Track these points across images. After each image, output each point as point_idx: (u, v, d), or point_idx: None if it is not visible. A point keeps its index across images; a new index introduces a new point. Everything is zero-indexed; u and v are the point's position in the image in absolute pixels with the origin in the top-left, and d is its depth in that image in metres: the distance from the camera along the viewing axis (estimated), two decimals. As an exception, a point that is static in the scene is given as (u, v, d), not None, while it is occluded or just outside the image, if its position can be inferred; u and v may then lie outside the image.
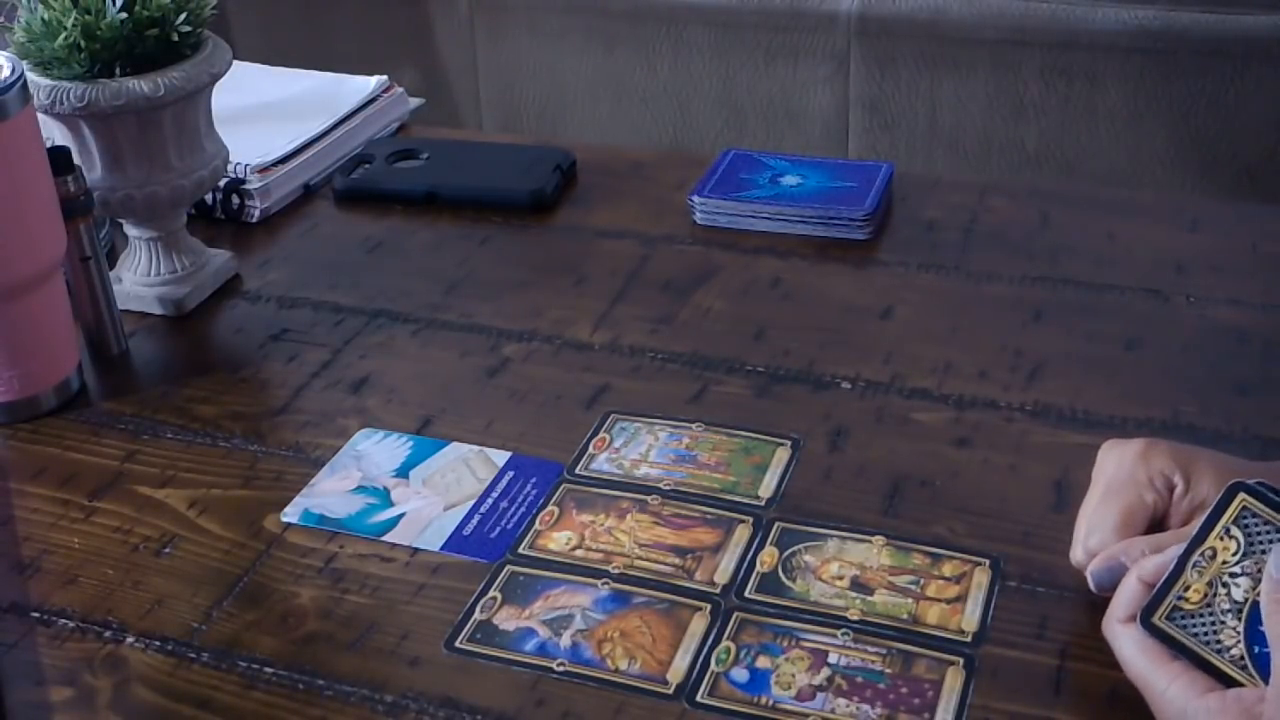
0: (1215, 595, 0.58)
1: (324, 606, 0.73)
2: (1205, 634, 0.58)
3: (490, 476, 0.81)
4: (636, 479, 0.80)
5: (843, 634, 0.69)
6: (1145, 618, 0.60)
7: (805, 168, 1.12)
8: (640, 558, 0.74)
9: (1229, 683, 0.57)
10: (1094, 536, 0.67)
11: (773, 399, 0.87)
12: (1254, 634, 0.56)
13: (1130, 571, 0.62)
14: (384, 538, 0.77)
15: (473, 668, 0.69)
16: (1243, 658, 0.57)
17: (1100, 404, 0.84)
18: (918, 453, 0.81)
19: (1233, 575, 0.58)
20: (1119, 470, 0.67)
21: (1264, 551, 0.58)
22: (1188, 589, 0.59)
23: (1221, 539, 0.58)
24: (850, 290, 0.99)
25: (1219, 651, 0.57)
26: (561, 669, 0.68)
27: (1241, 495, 0.58)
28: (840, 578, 0.72)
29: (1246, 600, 0.56)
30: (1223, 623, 0.57)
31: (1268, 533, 0.58)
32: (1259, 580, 0.58)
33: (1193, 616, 0.58)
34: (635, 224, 1.08)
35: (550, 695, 0.67)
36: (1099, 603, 0.69)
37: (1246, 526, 0.58)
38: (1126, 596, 0.62)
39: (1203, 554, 0.58)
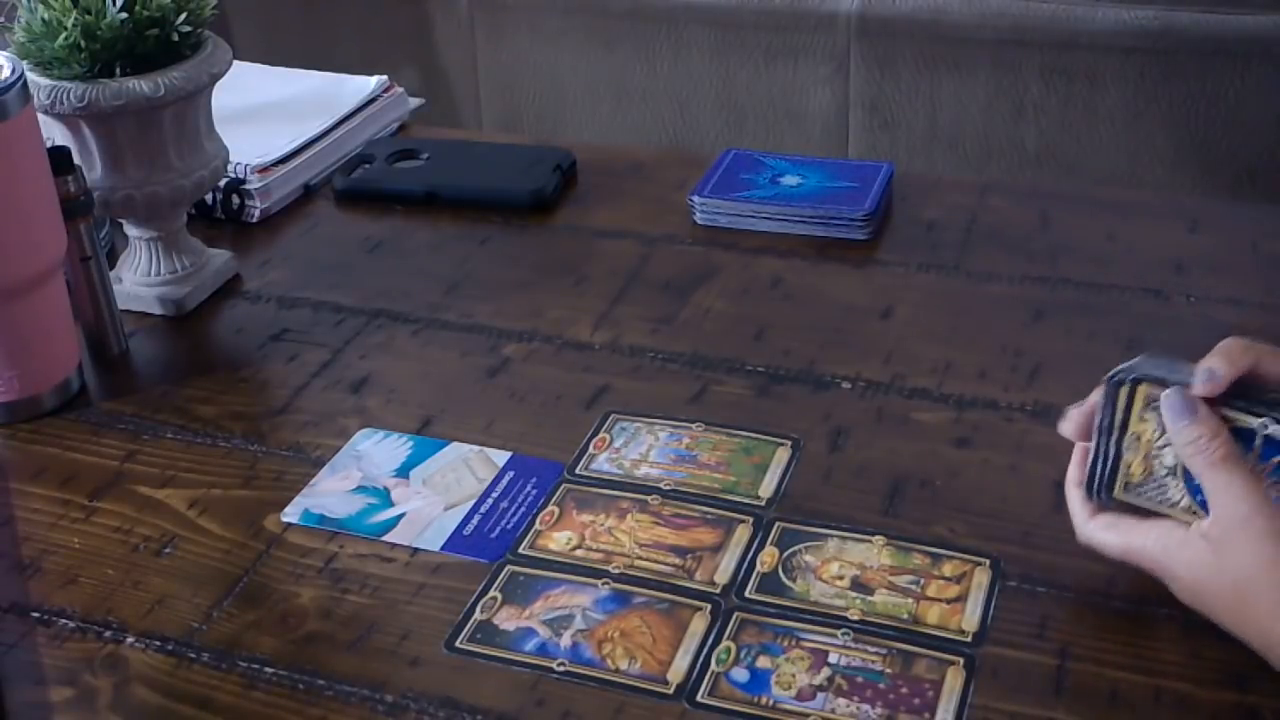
0: (1153, 466, 0.68)
1: (324, 606, 0.73)
2: (1157, 495, 0.68)
3: (490, 476, 0.81)
4: (637, 479, 0.80)
5: (843, 634, 0.69)
6: (1109, 496, 0.70)
7: (805, 168, 1.12)
8: (640, 558, 0.74)
9: None
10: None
11: (773, 399, 0.87)
12: (1191, 486, 0.67)
13: (1069, 484, 0.72)
14: (384, 538, 0.77)
15: (473, 668, 0.69)
16: (1190, 506, 0.67)
17: (1100, 404, 0.84)
18: (918, 453, 0.81)
19: (1160, 448, 0.68)
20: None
21: None
22: (1130, 467, 0.69)
23: (1140, 423, 0.69)
24: (850, 290, 0.99)
25: (1172, 506, 0.68)
26: (561, 669, 0.68)
27: (1143, 386, 0.69)
28: (840, 578, 0.72)
29: (1177, 463, 0.67)
30: (1166, 484, 0.68)
31: None
32: None
33: (1142, 485, 0.69)
34: (635, 224, 1.08)
35: (550, 695, 0.67)
36: (1099, 603, 0.70)
37: (1157, 408, 0.68)
38: (1078, 504, 0.71)
39: (1130, 439, 0.69)
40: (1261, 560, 0.63)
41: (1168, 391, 0.67)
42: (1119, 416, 0.70)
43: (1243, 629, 0.64)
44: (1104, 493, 0.70)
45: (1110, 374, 0.70)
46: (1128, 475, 0.69)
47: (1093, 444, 0.71)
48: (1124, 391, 0.69)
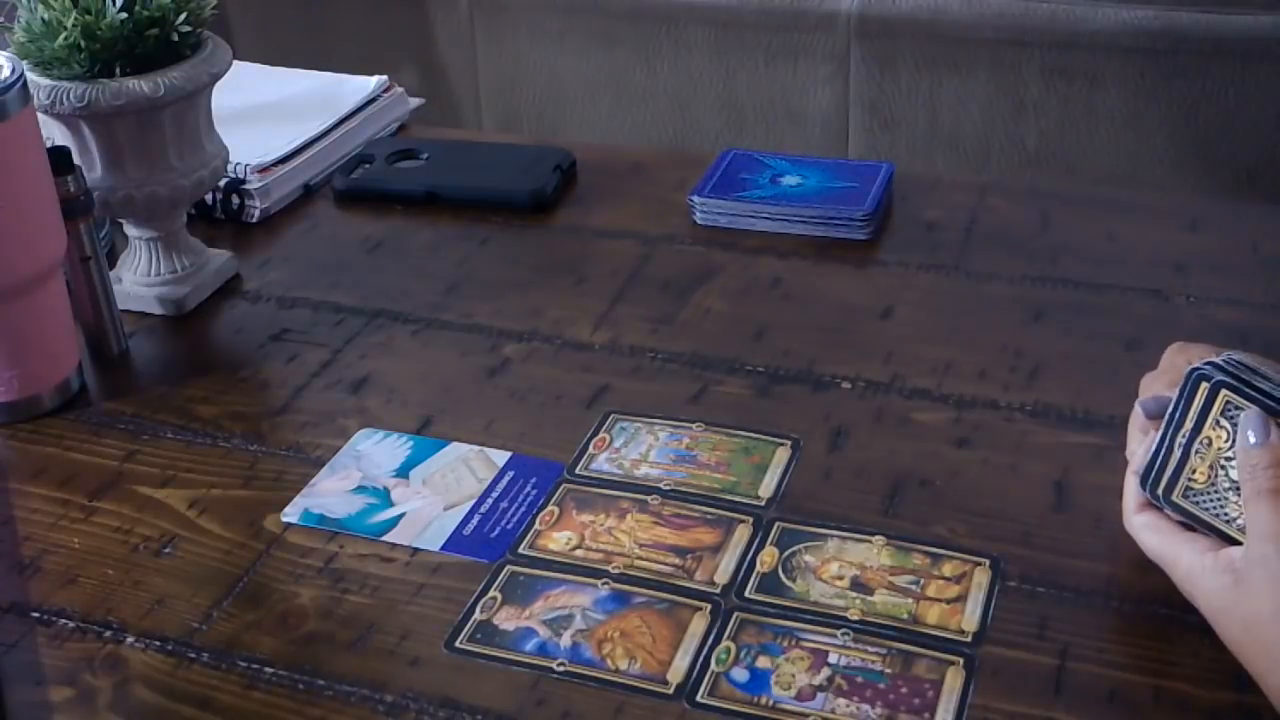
0: (1217, 476, 0.67)
1: (324, 606, 0.73)
2: (1214, 508, 0.67)
3: (490, 476, 0.81)
4: (636, 479, 0.80)
5: (843, 634, 0.69)
6: (1167, 496, 0.68)
7: (805, 168, 1.12)
8: (640, 558, 0.74)
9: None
10: (1147, 393, 0.74)
11: (773, 399, 0.87)
12: None
13: (1129, 472, 0.71)
14: (384, 538, 0.77)
15: (473, 668, 0.69)
16: (1244, 527, 0.65)
17: (1100, 404, 0.84)
18: (918, 453, 0.81)
19: (1228, 459, 0.66)
20: (1173, 355, 0.76)
21: None
22: (1194, 472, 0.68)
23: (1214, 429, 0.67)
24: (850, 290, 0.99)
25: (1227, 521, 0.66)
26: (561, 669, 0.68)
27: (1224, 392, 0.67)
28: (840, 578, 0.72)
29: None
30: (1226, 498, 0.66)
31: None
32: None
33: (1202, 494, 0.67)
34: (635, 224, 1.08)
35: (550, 695, 0.67)
36: (1099, 603, 0.70)
37: (1233, 418, 0.66)
38: (1132, 493, 0.70)
39: (1201, 443, 0.67)
40: (1275, 604, 0.61)
41: (1252, 410, 0.66)
42: (1194, 416, 0.68)
43: (1250, 668, 0.63)
44: (1161, 491, 0.68)
45: (1194, 366, 0.68)
46: (1190, 479, 0.67)
47: (1158, 434, 0.69)
48: (1204, 390, 0.67)
